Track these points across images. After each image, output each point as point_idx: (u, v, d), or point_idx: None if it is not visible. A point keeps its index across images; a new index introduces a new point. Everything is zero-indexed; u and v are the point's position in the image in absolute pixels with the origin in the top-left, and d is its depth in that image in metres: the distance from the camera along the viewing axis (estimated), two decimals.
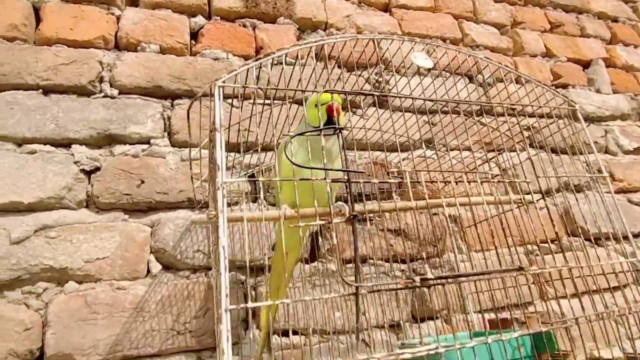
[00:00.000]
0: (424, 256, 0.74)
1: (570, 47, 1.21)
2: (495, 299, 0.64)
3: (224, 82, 0.37)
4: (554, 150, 0.80)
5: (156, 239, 0.64)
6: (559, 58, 1.17)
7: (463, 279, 0.41)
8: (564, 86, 1.12)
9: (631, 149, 1.05)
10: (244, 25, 0.93)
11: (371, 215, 0.75)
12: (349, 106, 0.87)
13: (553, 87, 1.09)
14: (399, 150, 0.56)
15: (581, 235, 0.90)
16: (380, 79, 0.95)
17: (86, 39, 0.77)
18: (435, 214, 0.78)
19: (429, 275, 0.34)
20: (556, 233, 0.52)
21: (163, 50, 0.82)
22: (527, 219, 0.66)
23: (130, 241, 0.63)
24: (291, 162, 0.40)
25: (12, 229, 0.58)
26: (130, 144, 0.70)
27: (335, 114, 0.45)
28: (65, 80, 0.71)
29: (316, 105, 0.48)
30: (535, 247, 0.80)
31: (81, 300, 0.57)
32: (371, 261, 0.72)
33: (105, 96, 0.73)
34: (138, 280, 0.61)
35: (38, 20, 0.77)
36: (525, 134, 0.95)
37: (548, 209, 0.68)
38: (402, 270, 0.73)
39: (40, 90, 0.70)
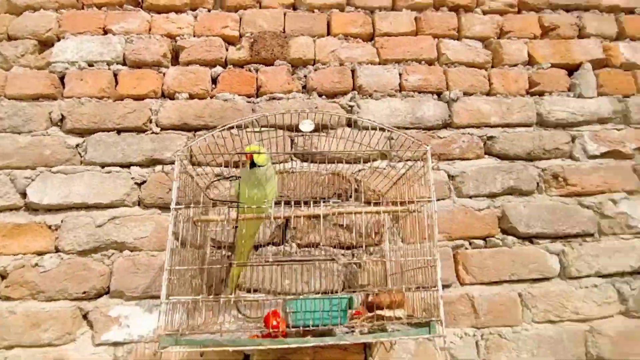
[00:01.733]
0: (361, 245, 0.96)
1: (559, 52, 1.25)
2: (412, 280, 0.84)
3: (179, 151, 0.67)
4: None
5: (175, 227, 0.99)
6: (541, 65, 1.22)
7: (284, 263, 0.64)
8: (540, 94, 1.19)
9: (598, 154, 1.08)
10: (250, 70, 1.23)
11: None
12: (320, 128, 1.12)
13: (528, 95, 1.18)
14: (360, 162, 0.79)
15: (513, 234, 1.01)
16: (352, 104, 1.17)
17: (143, 93, 1.16)
18: (377, 212, 0.99)
19: (271, 259, 0.59)
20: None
21: (191, 96, 1.17)
22: (461, 218, 0.86)
23: (160, 227, 0.99)
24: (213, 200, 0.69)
25: (96, 218, 0.99)
26: (165, 164, 1.07)
27: (247, 158, 0.74)
28: (129, 124, 1.11)
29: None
30: (463, 242, 0.96)
31: (130, 262, 0.95)
32: (320, 246, 0.97)
33: (152, 132, 1.11)
34: (163, 252, 0.97)
35: (117, 82, 1.19)
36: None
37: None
38: (344, 254, 0.96)
39: (115, 131, 1.10)
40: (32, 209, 1.01)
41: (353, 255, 0.95)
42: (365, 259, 0.69)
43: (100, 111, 1.13)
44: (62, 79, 1.19)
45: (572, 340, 0.95)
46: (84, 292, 0.93)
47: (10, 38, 1.26)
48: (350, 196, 1.02)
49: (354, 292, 0.67)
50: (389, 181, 0.97)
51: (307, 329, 0.64)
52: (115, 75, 1.20)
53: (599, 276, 1.01)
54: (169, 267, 0.67)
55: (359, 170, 1.05)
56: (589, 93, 1.17)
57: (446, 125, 1.15)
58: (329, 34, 1.29)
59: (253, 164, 0.75)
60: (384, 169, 1.04)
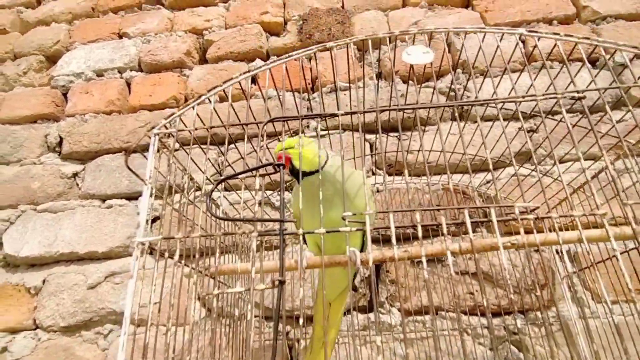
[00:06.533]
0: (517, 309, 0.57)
1: None
2: None
3: (159, 129, 0.38)
4: None
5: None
6: None
7: None
8: None
9: None
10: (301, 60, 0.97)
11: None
12: (417, 123, 0.79)
13: None
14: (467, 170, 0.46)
15: None
16: (455, 87, 0.84)
17: (161, 101, 0.92)
18: (536, 250, 0.61)
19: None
20: None
21: (222, 99, 0.91)
22: None
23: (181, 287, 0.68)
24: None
25: (89, 275, 0.70)
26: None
27: (287, 163, 0.42)
28: (142, 141, 0.86)
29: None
30: None
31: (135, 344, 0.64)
32: (443, 313, 0.60)
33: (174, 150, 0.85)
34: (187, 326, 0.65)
35: (131, 91, 0.98)
36: None
37: None
38: (487, 327, 0.58)
39: (123, 152, 0.86)
40: (11, 264, 0.76)
41: (505, 328, 0.57)
42: None
43: (106, 128, 0.89)
44: (66, 95, 1.00)
45: None
46: None
47: (16, 57, 1.12)
48: (481, 223, 0.65)
49: None
50: (543, 196, 0.60)
51: None
52: (128, 84, 0.99)
53: None
54: None
55: (488, 182, 0.69)
56: None
57: (618, 103, 0.77)
58: (404, 5, 1.01)
59: (295, 171, 0.43)
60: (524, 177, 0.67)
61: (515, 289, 0.58)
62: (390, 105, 0.39)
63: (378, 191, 0.71)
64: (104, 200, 0.80)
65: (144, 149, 0.84)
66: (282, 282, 0.28)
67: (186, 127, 0.39)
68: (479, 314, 0.58)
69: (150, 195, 0.35)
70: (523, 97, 0.34)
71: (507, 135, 0.36)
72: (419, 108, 0.34)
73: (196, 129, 0.38)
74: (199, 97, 0.39)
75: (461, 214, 0.64)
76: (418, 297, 0.62)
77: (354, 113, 0.35)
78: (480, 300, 0.59)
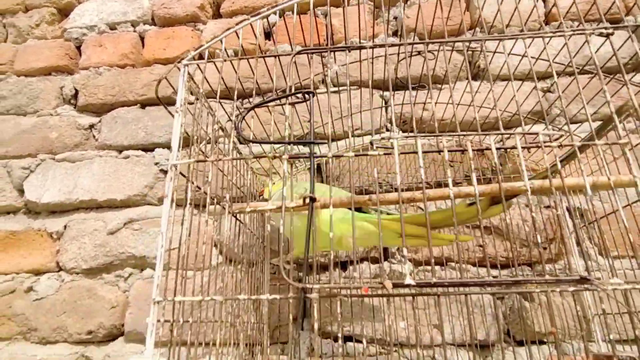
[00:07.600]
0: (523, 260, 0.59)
1: None
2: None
3: (188, 60, 0.38)
4: None
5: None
6: None
7: (467, 289, 0.29)
8: None
9: None
10: (316, 15, 0.95)
11: None
12: (429, 83, 0.79)
13: None
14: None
15: None
16: (473, 46, 0.83)
17: (175, 55, 0.92)
18: (547, 206, 0.62)
19: (408, 281, 0.26)
20: None
21: (237, 53, 0.91)
22: None
23: (197, 233, 0.71)
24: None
25: (109, 221, 0.73)
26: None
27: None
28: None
29: None
30: None
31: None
32: (452, 264, 0.63)
33: (188, 103, 0.86)
34: (201, 271, 0.68)
35: (144, 46, 0.97)
36: None
37: None
38: (495, 277, 0.60)
39: (138, 105, 0.87)
40: (32, 210, 0.79)
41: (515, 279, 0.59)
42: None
43: (120, 81, 0.90)
44: (79, 48, 1.00)
45: None
46: (89, 332, 0.67)
47: (27, 9, 1.11)
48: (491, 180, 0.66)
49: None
50: (553, 155, 0.60)
51: None
52: (142, 38, 0.98)
53: None
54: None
55: (500, 141, 0.70)
56: None
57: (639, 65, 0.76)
58: None
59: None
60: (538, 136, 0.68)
61: (524, 242, 0.60)
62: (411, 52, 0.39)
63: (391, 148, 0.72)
64: (120, 151, 0.81)
65: (167, 102, 0.84)
66: (312, 199, 0.29)
67: (215, 64, 0.40)
68: (488, 265, 0.60)
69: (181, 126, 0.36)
70: (553, 32, 0.34)
71: (522, 93, 0.36)
72: (445, 42, 0.35)
73: (225, 61, 0.38)
74: (228, 29, 0.39)
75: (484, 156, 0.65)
76: (427, 249, 0.64)
77: (382, 46, 0.35)
78: (489, 253, 0.61)
